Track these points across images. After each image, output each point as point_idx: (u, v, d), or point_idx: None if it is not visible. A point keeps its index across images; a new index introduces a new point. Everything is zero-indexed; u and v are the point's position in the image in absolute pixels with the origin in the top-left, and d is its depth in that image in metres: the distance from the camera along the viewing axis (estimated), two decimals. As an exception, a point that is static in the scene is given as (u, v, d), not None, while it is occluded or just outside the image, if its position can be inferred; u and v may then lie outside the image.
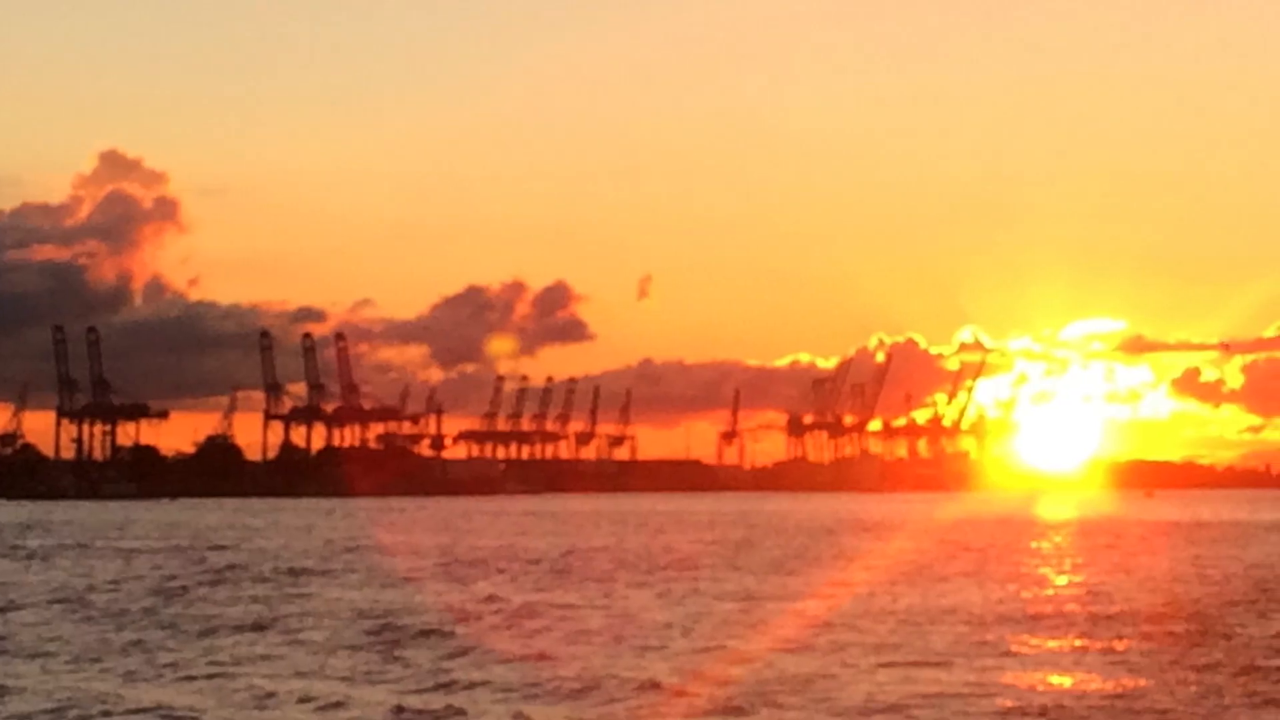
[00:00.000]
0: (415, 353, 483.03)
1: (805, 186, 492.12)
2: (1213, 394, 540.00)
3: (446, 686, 31.36)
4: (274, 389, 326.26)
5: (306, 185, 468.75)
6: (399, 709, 28.67)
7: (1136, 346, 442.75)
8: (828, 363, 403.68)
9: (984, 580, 60.06)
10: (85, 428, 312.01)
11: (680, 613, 46.10)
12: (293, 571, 67.66)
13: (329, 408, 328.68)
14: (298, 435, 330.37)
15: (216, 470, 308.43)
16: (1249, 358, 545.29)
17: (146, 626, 43.74)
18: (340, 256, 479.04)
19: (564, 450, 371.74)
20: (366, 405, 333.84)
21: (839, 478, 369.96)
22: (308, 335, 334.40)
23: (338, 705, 29.32)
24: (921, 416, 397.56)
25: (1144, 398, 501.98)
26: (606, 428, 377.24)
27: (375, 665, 34.72)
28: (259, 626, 43.28)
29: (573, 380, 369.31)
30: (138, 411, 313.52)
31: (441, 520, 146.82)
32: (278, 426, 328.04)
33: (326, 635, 40.87)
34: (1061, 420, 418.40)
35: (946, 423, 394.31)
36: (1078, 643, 38.17)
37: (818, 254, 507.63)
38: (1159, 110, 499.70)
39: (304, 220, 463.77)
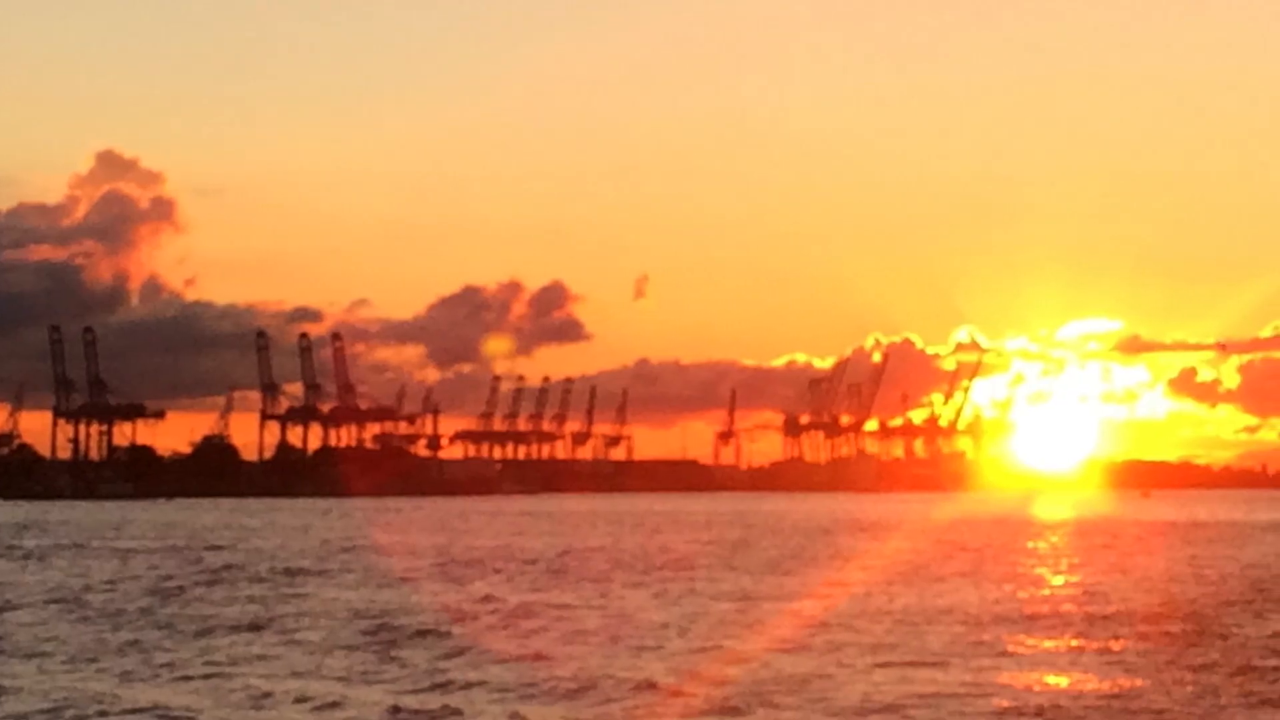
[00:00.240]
0: (412, 353, 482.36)
1: (802, 186, 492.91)
2: (1209, 394, 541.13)
3: (443, 686, 31.35)
4: (270, 389, 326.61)
5: (303, 185, 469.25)
6: (395, 709, 28.66)
7: (1133, 346, 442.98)
8: (824, 363, 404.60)
9: (980, 580, 60.08)
10: (82, 428, 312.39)
11: (677, 613, 46.10)
12: (289, 571, 67.64)
13: (325, 408, 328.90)
14: (294, 435, 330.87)
15: (213, 470, 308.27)
16: (1245, 358, 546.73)
17: (143, 626, 43.72)
18: (337, 256, 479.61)
19: (560, 450, 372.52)
20: (363, 405, 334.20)
21: (835, 478, 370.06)
22: (304, 335, 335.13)
23: (334, 705, 29.31)
24: (918, 416, 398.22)
25: (1140, 398, 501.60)
26: (603, 428, 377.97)
27: (371, 665, 34.71)
28: (255, 626, 43.26)
29: (569, 380, 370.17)
30: (134, 411, 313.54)
31: (438, 520, 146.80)
32: (274, 426, 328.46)
33: (323, 635, 40.85)
34: (1058, 420, 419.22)
35: (943, 423, 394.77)
36: (1074, 643, 38.18)
37: (814, 254, 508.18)
38: (1155, 110, 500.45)
39: (300, 220, 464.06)
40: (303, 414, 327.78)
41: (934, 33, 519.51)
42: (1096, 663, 34.35)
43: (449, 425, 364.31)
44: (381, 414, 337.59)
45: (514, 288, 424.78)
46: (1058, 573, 66.18)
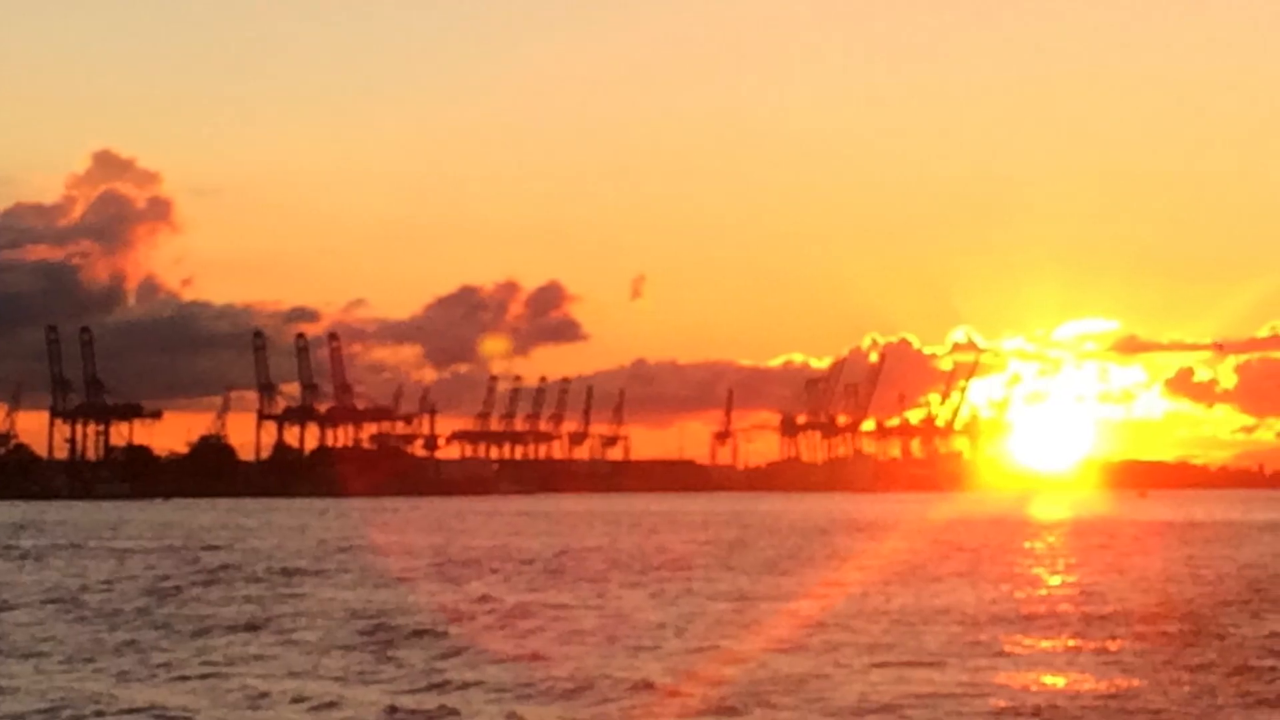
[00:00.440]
0: (409, 353, 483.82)
1: (798, 186, 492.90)
2: (1206, 394, 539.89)
3: (440, 687, 31.35)
4: (267, 389, 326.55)
5: (300, 185, 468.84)
6: (392, 709, 28.66)
7: (1130, 346, 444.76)
8: (821, 363, 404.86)
9: (977, 580, 60.09)
10: (79, 428, 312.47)
11: (674, 613, 46.10)
12: (286, 572, 67.62)
13: (322, 408, 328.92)
14: (291, 435, 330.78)
15: (210, 470, 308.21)
16: (1242, 358, 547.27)
17: (140, 627, 43.71)
18: (334, 256, 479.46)
19: (557, 450, 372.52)
20: (360, 405, 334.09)
21: (832, 478, 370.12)
22: (301, 335, 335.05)
23: (331, 705, 29.30)
24: (915, 416, 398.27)
25: (1137, 398, 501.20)
26: (600, 428, 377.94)
27: (368, 665, 34.70)
28: (252, 627, 43.25)
29: (566, 380, 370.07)
30: (131, 411, 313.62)
31: (435, 520, 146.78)
32: (271, 426, 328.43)
33: (320, 635, 40.84)
34: (1055, 420, 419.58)
35: (940, 423, 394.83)
36: (1071, 643, 38.19)
37: (811, 254, 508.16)
38: (1152, 111, 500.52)
39: (297, 220, 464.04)
40: (300, 414, 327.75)
41: (930, 33, 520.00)
42: (1093, 663, 34.36)
43: (446, 425, 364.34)
44: (378, 414, 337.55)
45: (511, 288, 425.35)
46: (1055, 573, 66.19)
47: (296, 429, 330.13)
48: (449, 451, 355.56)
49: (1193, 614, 45.39)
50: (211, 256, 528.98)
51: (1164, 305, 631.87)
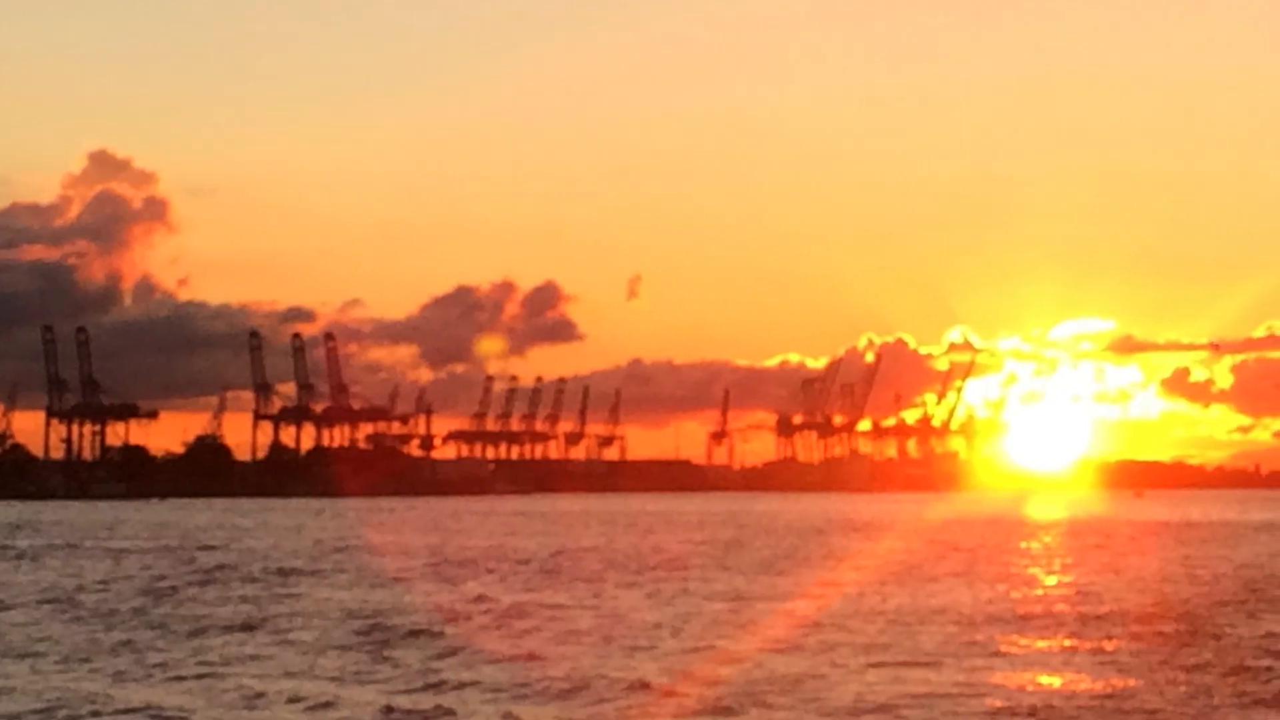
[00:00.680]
0: (405, 353, 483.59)
1: (795, 186, 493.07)
2: (1202, 394, 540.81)
3: (436, 687, 31.34)
4: (263, 389, 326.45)
5: (296, 185, 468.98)
6: (388, 709, 28.65)
7: (1126, 346, 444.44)
8: (817, 363, 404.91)
9: (973, 580, 60.10)
10: (74, 428, 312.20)
11: (669, 613, 46.10)
12: (282, 572, 67.59)
13: (318, 408, 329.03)
14: (287, 435, 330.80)
15: (206, 470, 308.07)
16: (1238, 358, 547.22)
17: (136, 627, 43.69)
18: (330, 256, 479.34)
19: (553, 450, 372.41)
20: (356, 405, 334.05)
21: (828, 478, 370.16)
22: (297, 335, 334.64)
23: (327, 705, 29.30)
24: (911, 417, 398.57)
25: (1133, 398, 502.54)
26: (596, 428, 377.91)
27: (364, 665, 34.69)
28: (248, 627, 43.24)
29: (562, 380, 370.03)
30: (127, 411, 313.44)
31: (431, 520, 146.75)
32: (267, 426, 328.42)
33: (316, 635, 40.83)
34: (1051, 420, 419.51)
35: (936, 423, 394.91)
36: (1067, 643, 38.20)
37: (807, 254, 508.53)
38: (1149, 111, 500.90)
39: (293, 220, 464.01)
40: (296, 414, 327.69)
41: (927, 33, 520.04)
42: (1089, 663, 34.37)
43: (442, 425, 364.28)
44: (375, 414, 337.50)
45: (507, 288, 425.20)
46: (1051, 573, 66.21)
47: (292, 429, 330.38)
48: (445, 451, 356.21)
49: (1189, 614, 45.40)
50: (207, 256, 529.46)
51: (1160, 305, 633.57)
